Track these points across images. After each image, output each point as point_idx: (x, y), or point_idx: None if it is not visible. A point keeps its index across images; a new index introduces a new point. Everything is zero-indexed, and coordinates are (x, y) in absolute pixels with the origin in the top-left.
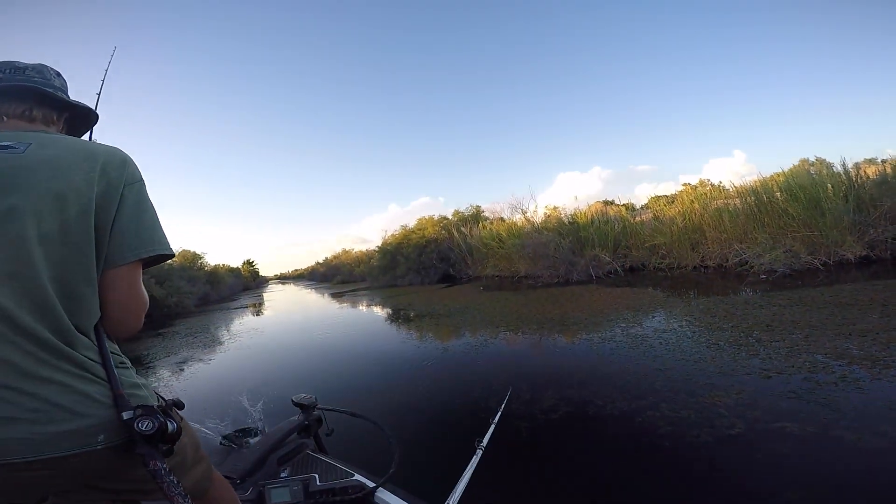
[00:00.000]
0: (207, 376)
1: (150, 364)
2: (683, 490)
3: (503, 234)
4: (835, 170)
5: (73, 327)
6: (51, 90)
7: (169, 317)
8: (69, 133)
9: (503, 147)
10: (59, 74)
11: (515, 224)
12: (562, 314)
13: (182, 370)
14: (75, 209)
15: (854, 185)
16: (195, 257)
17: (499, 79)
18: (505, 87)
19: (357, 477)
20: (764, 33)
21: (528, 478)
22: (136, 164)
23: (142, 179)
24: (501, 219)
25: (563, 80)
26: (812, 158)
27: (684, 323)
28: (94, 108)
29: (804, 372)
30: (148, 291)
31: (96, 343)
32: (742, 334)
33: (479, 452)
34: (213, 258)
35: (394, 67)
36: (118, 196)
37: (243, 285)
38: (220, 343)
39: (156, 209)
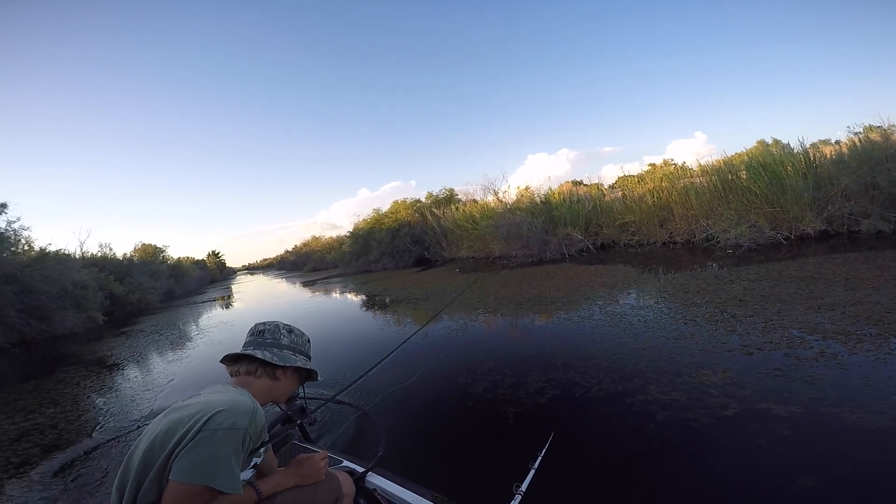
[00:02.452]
0: (178, 374)
1: (116, 365)
2: (690, 477)
3: (477, 215)
4: (794, 150)
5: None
6: (267, 345)
7: (132, 314)
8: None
9: (473, 130)
10: (290, 331)
11: (489, 205)
12: (538, 294)
13: (150, 369)
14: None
15: (812, 165)
16: (156, 251)
17: (467, 62)
18: (474, 71)
19: (346, 463)
20: (723, 18)
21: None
22: (239, 412)
23: (228, 427)
24: (474, 200)
25: (531, 64)
26: (769, 140)
27: (660, 299)
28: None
29: (783, 348)
30: (108, 289)
31: None
32: (717, 310)
33: (518, 498)
34: (175, 251)
35: (361, 52)
36: (196, 434)
37: (210, 278)
38: (190, 339)
39: (228, 452)
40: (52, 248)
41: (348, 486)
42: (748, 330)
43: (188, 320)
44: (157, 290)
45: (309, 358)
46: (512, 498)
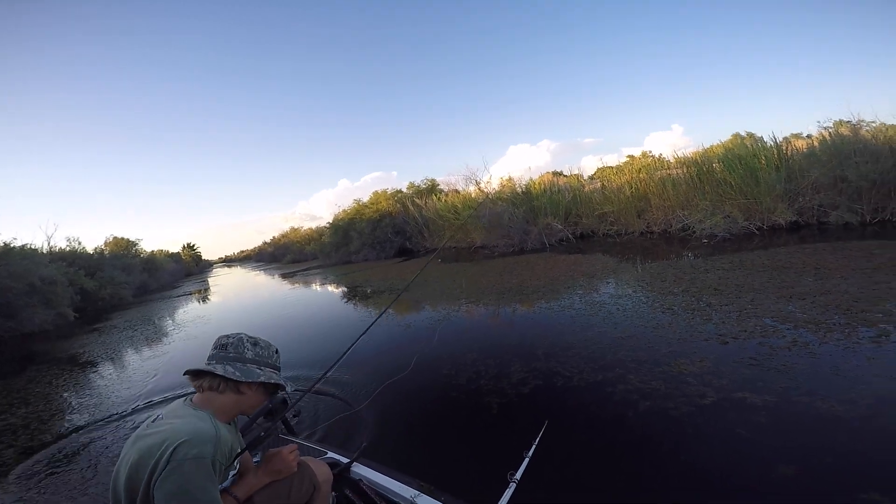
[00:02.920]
0: (153, 371)
1: (89, 363)
2: (673, 465)
3: (459, 205)
4: (766, 143)
5: None
6: (229, 359)
7: (104, 310)
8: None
9: (456, 120)
10: (255, 344)
11: (470, 195)
12: (520, 283)
13: (125, 366)
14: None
15: (785, 157)
16: (129, 244)
17: (451, 52)
18: (457, 61)
19: (330, 454)
20: (702, 11)
21: (500, 459)
22: (202, 441)
23: (194, 458)
24: (456, 191)
25: (515, 54)
26: (743, 133)
27: (638, 288)
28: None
29: (757, 337)
30: (78, 284)
31: None
32: (693, 299)
33: (513, 485)
34: (149, 244)
35: (343, 41)
36: (166, 465)
37: (185, 271)
38: (165, 335)
39: (201, 480)
40: (18, 244)
41: (323, 474)
42: (723, 319)
43: (163, 315)
44: (130, 285)
45: (277, 370)
46: (507, 486)
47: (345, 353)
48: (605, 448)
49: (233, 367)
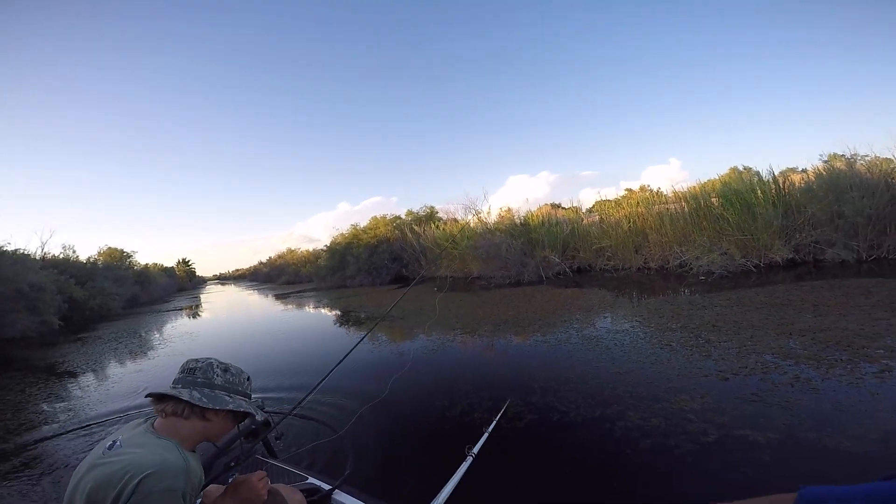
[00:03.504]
0: (133, 387)
1: (68, 373)
2: None
3: (456, 234)
4: (763, 177)
5: None
6: (198, 383)
7: (91, 320)
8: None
9: (456, 148)
10: (225, 370)
11: (469, 225)
12: (516, 315)
13: (104, 379)
14: None
15: (782, 192)
16: (123, 256)
17: (453, 79)
18: (460, 88)
19: (311, 480)
20: (698, 45)
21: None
22: (173, 474)
23: (164, 490)
24: (455, 219)
25: (515, 85)
26: (741, 167)
27: (635, 323)
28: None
29: (758, 373)
30: (66, 293)
31: None
32: (691, 335)
33: (470, 459)
34: (144, 257)
35: (346, 67)
36: (128, 499)
37: (178, 286)
38: (150, 349)
39: None
40: (10, 248)
41: (296, 502)
42: (723, 355)
43: (150, 329)
44: (120, 297)
45: (248, 397)
46: (464, 459)
47: (324, 378)
48: (604, 485)
49: (200, 392)
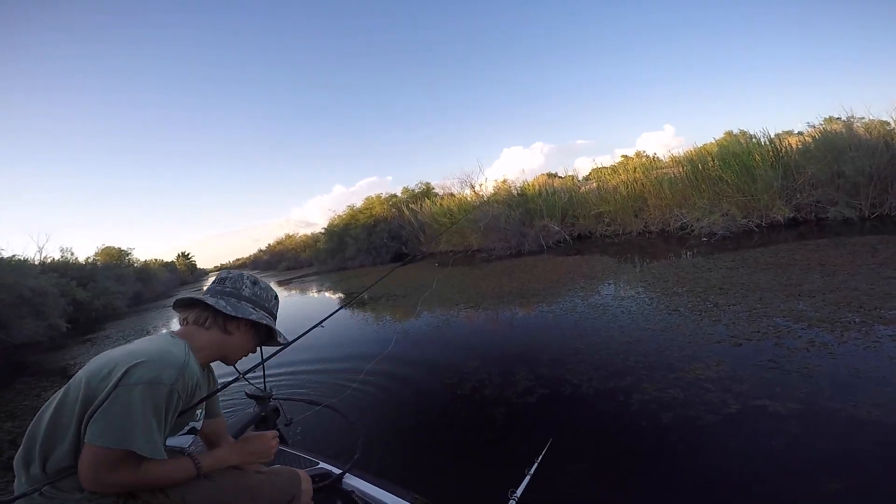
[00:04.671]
0: None
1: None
2: (707, 482)
3: (454, 209)
4: (761, 140)
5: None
6: (226, 294)
7: (97, 321)
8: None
9: (450, 124)
10: (255, 283)
11: (466, 198)
12: (520, 287)
13: None
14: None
15: (780, 154)
16: (121, 254)
17: (443, 57)
18: (450, 65)
19: (322, 465)
20: (690, 12)
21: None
22: (165, 365)
23: (148, 382)
24: (452, 194)
25: (505, 59)
26: (736, 131)
27: (640, 289)
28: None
29: (772, 337)
30: (70, 295)
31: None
32: (699, 299)
33: (513, 503)
34: (142, 254)
35: (336, 46)
36: (113, 389)
37: (180, 280)
38: None
39: (147, 410)
40: (7, 254)
41: (307, 483)
42: (733, 319)
43: (158, 325)
44: (123, 295)
45: (273, 316)
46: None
47: (299, 337)
48: (626, 464)
49: (226, 301)
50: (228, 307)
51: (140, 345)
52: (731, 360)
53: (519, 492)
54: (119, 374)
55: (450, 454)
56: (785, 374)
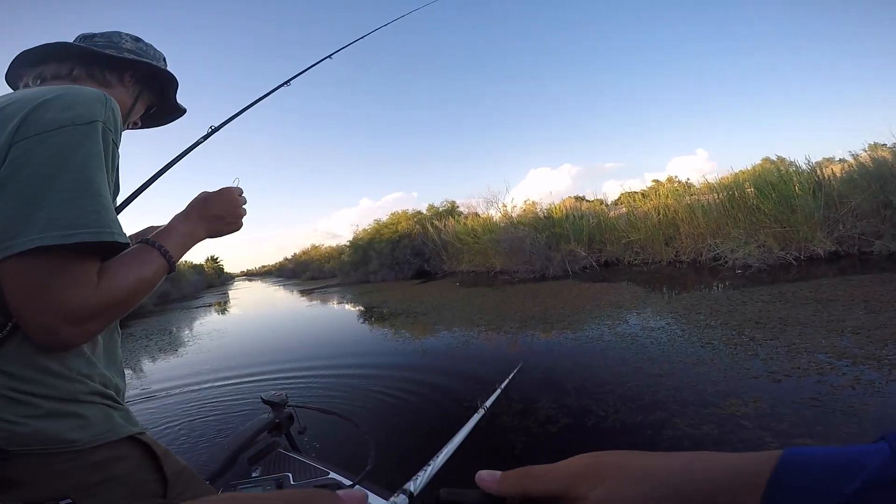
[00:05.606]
0: (165, 381)
1: None
2: None
3: (479, 229)
4: (801, 167)
5: None
6: (98, 48)
7: (124, 318)
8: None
9: (477, 142)
10: (137, 39)
11: (491, 219)
12: (543, 311)
13: (141, 375)
14: None
15: (822, 183)
16: None
17: (473, 76)
18: (480, 84)
19: (333, 475)
20: (725, 35)
21: None
22: (84, 99)
23: (71, 122)
24: (476, 213)
25: (536, 79)
26: (773, 157)
27: (671, 320)
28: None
29: (813, 374)
30: None
31: None
32: (734, 332)
33: (481, 412)
34: None
35: (369, 66)
36: (7, 149)
37: (207, 283)
38: (181, 345)
39: (91, 165)
40: None
41: None
42: (771, 354)
43: (181, 326)
44: (152, 294)
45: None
46: (476, 411)
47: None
48: None
49: (98, 47)
50: (105, 50)
51: (17, 94)
52: (769, 396)
53: (488, 402)
54: (15, 125)
55: (465, 478)
56: (828, 413)
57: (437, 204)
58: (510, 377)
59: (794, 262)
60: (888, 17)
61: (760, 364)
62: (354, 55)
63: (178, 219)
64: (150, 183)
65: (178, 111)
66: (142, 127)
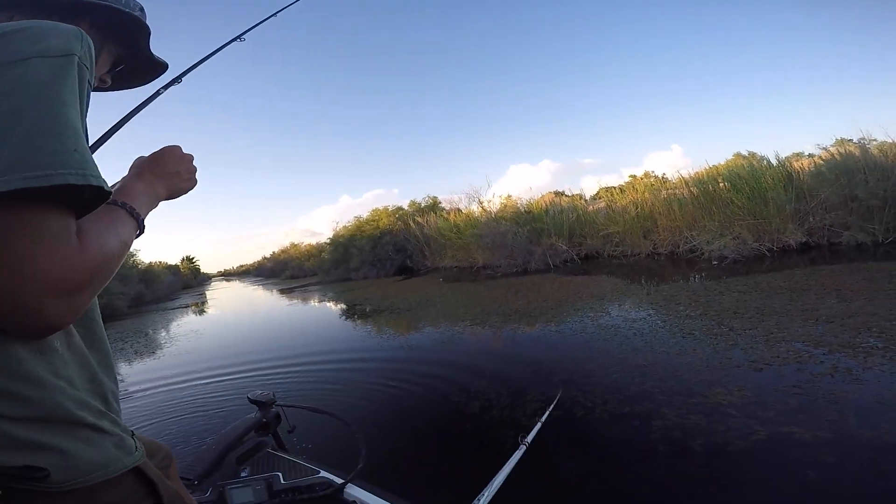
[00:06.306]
0: (143, 382)
1: None
2: None
3: (461, 224)
4: (772, 162)
5: None
6: None
7: None
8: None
9: (458, 139)
10: None
11: (473, 214)
12: (526, 305)
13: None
14: None
15: (792, 176)
16: (127, 255)
17: (452, 69)
18: (458, 78)
19: (323, 474)
20: (699, 31)
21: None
22: (55, 31)
23: (41, 53)
24: (458, 209)
25: (513, 75)
26: (745, 152)
27: (652, 311)
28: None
29: (793, 363)
30: None
31: None
32: (713, 322)
33: (523, 448)
34: (146, 255)
35: (344, 60)
36: None
37: (183, 283)
38: (158, 348)
39: (62, 102)
40: None
41: None
42: (750, 343)
43: (157, 328)
44: (125, 296)
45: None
46: (517, 448)
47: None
48: (648, 492)
49: None
50: None
51: None
52: (752, 385)
53: (530, 437)
54: None
55: (456, 471)
56: (811, 401)
57: (418, 200)
58: (551, 408)
59: (767, 252)
60: (852, 17)
61: (741, 353)
62: (331, 49)
63: (129, 179)
64: (97, 146)
65: (158, 67)
66: (112, 88)
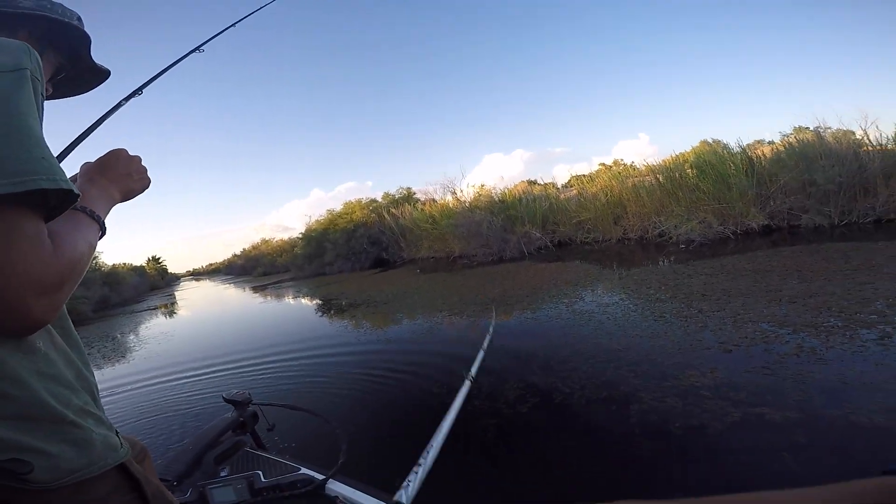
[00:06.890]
0: (113, 381)
1: None
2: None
3: (436, 214)
4: (733, 150)
5: None
6: None
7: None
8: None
9: (431, 129)
10: None
11: (448, 204)
12: (503, 293)
13: None
14: None
15: (753, 163)
16: None
17: (424, 61)
18: (430, 70)
19: (304, 470)
20: (665, 24)
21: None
22: (6, 48)
23: (3, 70)
24: (434, 200)
25: (486, 64)
26: (710, 140)
27: (624, 296)
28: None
29: (760, 343)
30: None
31: None
32: (683, 305)
33: (468, 383)
34: (110, 257)
35: (312, 49)
36: None
37: (150, 285)
38: (126, 352)
39: (24, 112)
40: None
41: None
42: (719, 325)
43: (125, 331)
44: (88, 300)
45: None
46: (462, 383)
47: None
48: (631, 472)
49: None
50: None
51: None
52: (723, 366)
53: (473, 370)
54: None
55: (437, 462)
56: (780, 381)
57: (392, 192)
58: (487, 339)
59: (731, 235)
60: (811, 8)
61: (711, 335)
62: (298, 35)
63: (82, 185)
64: (62, 158)
65: (100, 74)
66: (55, 96)
